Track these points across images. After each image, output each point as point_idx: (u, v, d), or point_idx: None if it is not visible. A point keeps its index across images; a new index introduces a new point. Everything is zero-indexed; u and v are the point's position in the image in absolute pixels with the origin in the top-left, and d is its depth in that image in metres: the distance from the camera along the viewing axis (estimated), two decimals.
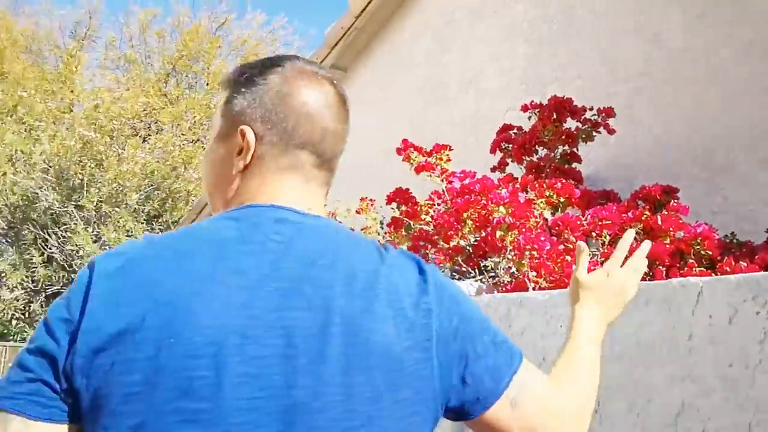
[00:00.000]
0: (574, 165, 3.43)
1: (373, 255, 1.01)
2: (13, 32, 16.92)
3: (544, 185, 2.72)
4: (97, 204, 12.87)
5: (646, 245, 1.34)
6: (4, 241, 13.70)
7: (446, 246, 2.63)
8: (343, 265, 0.97)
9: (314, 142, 1.09)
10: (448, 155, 2.92)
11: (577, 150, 3.48)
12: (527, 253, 2.31)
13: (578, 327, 1.20)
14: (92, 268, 0.93)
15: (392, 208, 3.12)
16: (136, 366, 0.86)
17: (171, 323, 0.87)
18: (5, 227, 13.49)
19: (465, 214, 2.56)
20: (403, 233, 2.96)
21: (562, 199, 2.72)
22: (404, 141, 2.99)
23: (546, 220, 2.60)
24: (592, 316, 1.22)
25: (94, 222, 12.86)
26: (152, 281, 0.91)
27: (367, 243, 1.05)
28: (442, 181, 2.86)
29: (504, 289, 2.38)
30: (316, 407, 0.87)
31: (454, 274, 2.64)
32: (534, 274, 2.29)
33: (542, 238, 2.33)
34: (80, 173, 13.19)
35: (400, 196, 3.09)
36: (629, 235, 1.32)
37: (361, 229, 3.22)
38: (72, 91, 15.56)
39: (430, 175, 2.89)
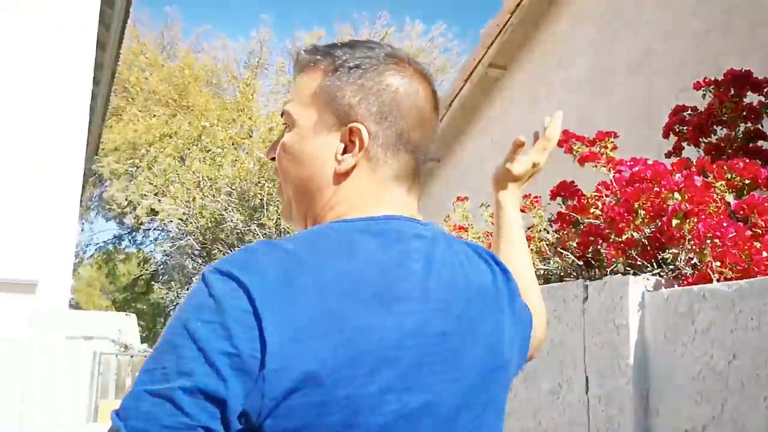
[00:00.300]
0: (759, 143, 3.11)
1: (482, 264, 1.03)
2: (195, 68, 18.40)
3: (724, 167, 2.48)
4: (276, 221, 13.62)
5: (559, 116, 1.36)
6: (198, 260, 14.87)
7: (618, 240, 2.48)
8: (470, 280, 0.98)
9: (423, 147, 1.02)
10: (613, 143, 2.75)
11: (762, 126, 3.16)
12: (708, 241, 2.11)
13: (513, 217, 1.33)
14: (245, 290, 0.79)
15: (558, 204, 3.00)
16: (334, 407, 0.79)
17: (361, 358, 0.81)
18: (198, 248, 14.65)
19: (636, 204, 2.39)
20: (572, 230, 2.83)
21: (746, 181, 2.47)
22: (565, 132, 2.86)
23: (728, 204, 2.37)
24: (517, 204, 1.35)
25: (275, 238, 13.63)
26: (330, 311, 0.81)
27: (467, 249, 1.04)
28: (609, 170, 2.70)
29: (685, 282, 2.20)
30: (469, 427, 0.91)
31: (627, 269, 2.48)
32: (718, 264, 2.09)
33: (725, 224, 2.12)
34: (260, 193, 14.03)
35: (565, 189, 2.96)
36: (559, 116, 1.36)
37: (528, 228, 3.12)
38: (250, 118, 16.64)
39: (596, 166, 2.74)
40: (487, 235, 4.64)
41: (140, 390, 0.76)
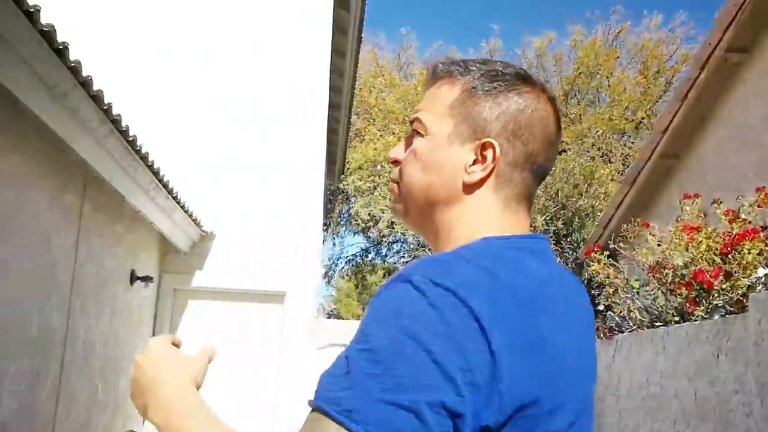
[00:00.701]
0: None
1: (579, 285, 1.05)
2: None
3: None
4: None
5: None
6: None
7: None
8: (582, 296, 1.04)
9: (545, 169, 1.06)
10: None
11: None
12: None
13: None
14: (468, 308, 0.80)
15: None
16: (543, 422, 0.84)
17: (559, 374, 0.87)
18: None
19: None
20: None
21: None
22: None
23: None
24: None
25: None
26: (533, 330, 0.84)
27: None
28: None
29: None
30: None
31: None
32: None
33: None
34: None
35: None
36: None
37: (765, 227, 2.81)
38: None
39: None
40: (725, 236, 4.24)
41: (376, 397, 0.75)
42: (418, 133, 1.07)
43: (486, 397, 0.77)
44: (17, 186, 4.38)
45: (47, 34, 3.55)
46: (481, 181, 1.01)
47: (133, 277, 7.04)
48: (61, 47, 3.73)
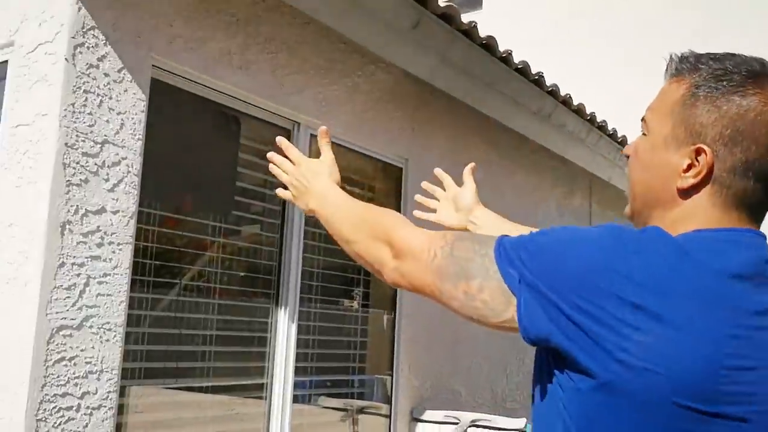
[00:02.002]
0: None
1: None
2: None
3: None
4: None
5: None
6: None
7: None
8: None
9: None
10: None
11: None
12: None
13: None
14: None
15: None
16: None
17: None
18: None
19: None
20: None
21: None
22: None
23: None
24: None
25: None
26: None
27: None
28: None
29: None
30: None
31: None
32: None
33: None
34: None
35: None
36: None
37: None
38: None
39: None
40: None
41: None
42: (643, 131, 1.07)
43: None
44: (533, 198, 5.22)
45: (522, 71, 4.25)
46: (696, 186, 0.98)
47: None
48: (537, 77, 4.40)
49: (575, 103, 4.87)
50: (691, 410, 0.86)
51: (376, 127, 3.76)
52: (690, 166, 0.98)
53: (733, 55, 1.02)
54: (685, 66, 1.03)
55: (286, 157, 1.49)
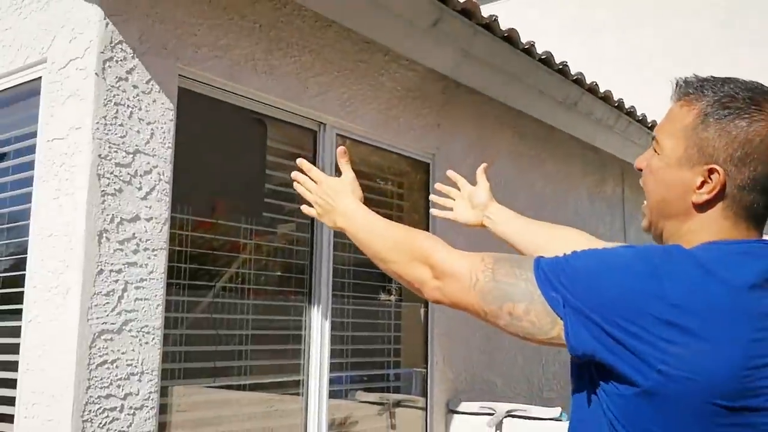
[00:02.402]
0: None
1: None
2: None
3: None
4: None
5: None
6: None
7: None
8: None
9: None
10: None
11: None
12: None
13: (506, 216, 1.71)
14: None
15: None
16: None
17: None
18: None
19: None
20: None
21: None
22: None
23: None
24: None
25: None
26: None
27: None
28: None
29: None
30: None
31: None
32: None
33: None
34: None
35: None
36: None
37: None
38: None
39: None
40: None
41: None
42: (656, 150, 1.18)
43: None
44: (563, 186, 5.21)
45: (545, 61, 4.25)
46: (710, 201, 1.11)
47: None
48: (561, 67, 4.39)
49: (602, 90, 4.85)
50: (720, 407, 0.99)
51: (402, 124, 3.80)
52: (703, 183, 1.11)
53: (734, 79, 1.15)
54: (691, 90, 1.16)
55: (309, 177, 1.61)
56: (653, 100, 7.56)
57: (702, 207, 1.12)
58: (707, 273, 1.03)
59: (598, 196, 5.77)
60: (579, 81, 4.58)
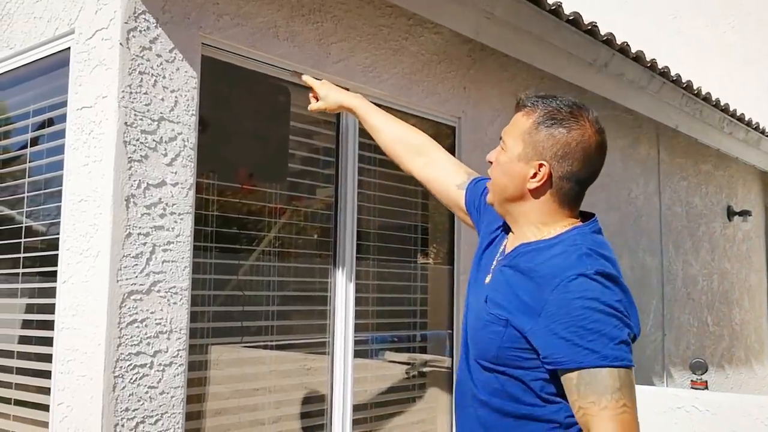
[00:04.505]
0: None
1: None
2: None
3: None
4: None
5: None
6: None
7: None
8: None
9: (588, 181, 1.55)
10: None
11: None
12: None
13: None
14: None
15: None
16: None
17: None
18: None
19: None
20: None
21: None
22: None
23: None
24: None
25: None
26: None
27: None
28: None
29: None
30: None
31: None
32: None
33: None
34: None
35: None
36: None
37: None
38: None
39: None
40: None
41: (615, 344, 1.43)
42: (502, 147, 1.60)
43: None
44: None
45: (573, 22, 4.20)
46: (541, 188, 1.53)
47: (731, 213, 7.13)
48: (590, 27, 4.33)
49: (634, 50, 4.77)
50: None
51: (426, 88, 3.81)
52: (535, 174, 1.52)
53: (561, 97, 1.56)
54: (529, 104, 1.57)
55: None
56: (689, 62, 7.39)
57: (535, 193, 1.54)
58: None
59: (631, 159, 5.71)
60: (609, 42, 4.51)
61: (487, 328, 1.52)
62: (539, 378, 1.46)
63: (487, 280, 1.61)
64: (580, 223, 1.56)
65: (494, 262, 1.63)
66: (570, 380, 1.38)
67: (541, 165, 1.52)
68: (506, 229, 1.68)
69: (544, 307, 1.41)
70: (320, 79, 2.28)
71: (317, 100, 2.22)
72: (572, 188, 1.53)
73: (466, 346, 1.64)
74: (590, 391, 1.34)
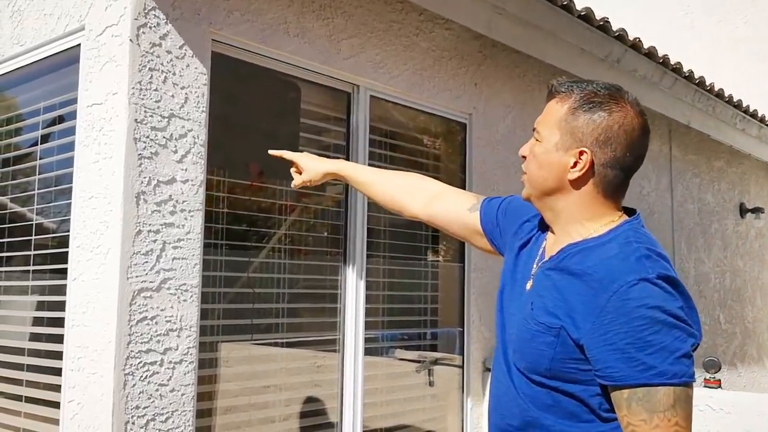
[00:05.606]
0: None
1: None
2: None
3: None
4: None
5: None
6: None
7: None
8: None
9: (634, 167, 1.42)
10: None
11: None
12: None
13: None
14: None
15: None
16: None
17: None
18: None
19: None
20: None
21: None
22: None
23: None
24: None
25: None
26: None
27: None
28: None
29: None
30: None
31: None
32: None
33: None
34: None
35: None
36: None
37: None
38: None
39: None
40: None
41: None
42: (536, 139, 1.46)
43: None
44: None
45: (585, 17, 4.16)
46: (582, 178, 1.39)
47: (743, 210, 7.08)
48: (602, 23, 4.29)
49: (646, 46, 4.72)
50: None
51: (437, 84, 3.79)
52: (576, 163, 1.39)
53: (596, 82, 1.43)
54: (563, 90, 1.43)
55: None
56: (701, 58, 7.32)
57: (577, 182, 1.40)
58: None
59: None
60: (621, 37, 4.47)
61: (537, 338, 1.37)
62: (597, 393, 1.32)
63: (529, 286, 1.47)
64: (627, 218, 1.43)
65: (534, 266, 1.49)
66: (621, 393, 1.27)
67: (582, 152, 1.38)
68: (543, 228, 1.54)
69: (600, 315, 1.27)
70: (301, 151, 2.17)
71: (300, 174, 2.06)
72: (617, 176, 1.39)
73: (506, 358, 1.50)
74: (642, 409, 1.24)
